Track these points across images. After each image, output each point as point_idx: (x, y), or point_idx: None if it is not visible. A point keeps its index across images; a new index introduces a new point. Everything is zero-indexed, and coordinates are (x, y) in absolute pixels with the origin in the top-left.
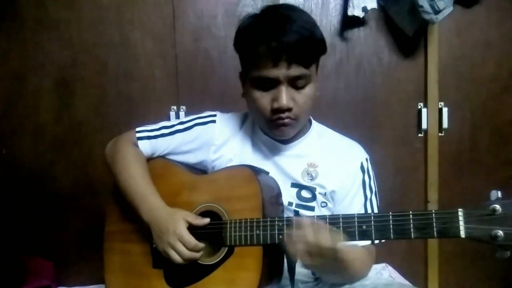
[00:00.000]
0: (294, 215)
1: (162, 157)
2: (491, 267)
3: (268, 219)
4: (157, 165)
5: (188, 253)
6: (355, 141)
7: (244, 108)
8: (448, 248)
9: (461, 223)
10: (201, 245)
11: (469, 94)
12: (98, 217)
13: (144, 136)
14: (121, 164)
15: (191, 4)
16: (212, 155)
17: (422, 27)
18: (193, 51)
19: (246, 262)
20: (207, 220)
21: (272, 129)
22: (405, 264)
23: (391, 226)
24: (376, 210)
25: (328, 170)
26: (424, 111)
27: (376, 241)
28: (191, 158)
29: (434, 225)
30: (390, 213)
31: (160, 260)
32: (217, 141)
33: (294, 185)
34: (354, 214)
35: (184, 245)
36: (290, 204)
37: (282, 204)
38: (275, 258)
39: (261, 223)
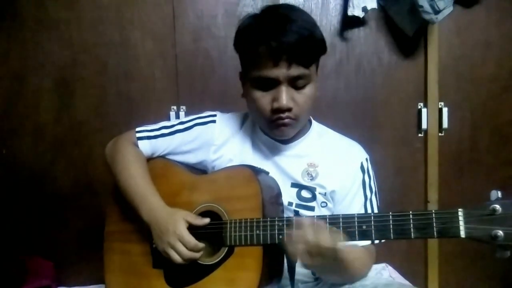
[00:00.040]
0: (294, 215)
1: (162, 157)
2: (491, 267)
3: (268, 219)
4: (157, 165)
5: (188, 253)
6: (355, 141)
7: (244, 108)
8: (448, 248)
9: (461, 223)
10: (201, 245)
11: (469, 94)
12: (98, 217)
13: (144, 136)
14: (121, 164)
15: (191, 4)
16: (212, 155)
17: (422, 27)
18: (193, 51)
19: (246, 262)
20: (207, 220)
21: (272, 129)
22: (405, 264)
23: (391, 226)
24: (376, 210)
25: (328, 170)
26: (424, 111)
27: (376, 241)
28: (191, 158)
29: (434, 225)
30: (390, 213)
31: (160, 260)
32: (217, 141)
33: (294, 185)
34: (354, 214)
35: (184, 245)
36: (290, 204)
37: (282, 204)
38: (275, 258)
39: (261, 223)
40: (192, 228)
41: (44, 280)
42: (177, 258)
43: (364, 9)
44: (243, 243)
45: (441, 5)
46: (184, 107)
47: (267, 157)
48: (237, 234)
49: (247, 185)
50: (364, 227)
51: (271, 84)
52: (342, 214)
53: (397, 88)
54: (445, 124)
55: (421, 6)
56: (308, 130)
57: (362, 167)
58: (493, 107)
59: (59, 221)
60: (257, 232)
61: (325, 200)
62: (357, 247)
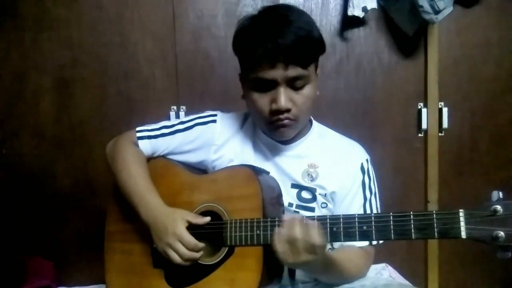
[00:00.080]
0: None
1: (163, 157)
2: (491, 267)
3: (269, 219)
4: (158, 165)
5: (188, 253)
6: (356, 142)
7: (244, 108)
8: (448, 248)
9: (462, 224)
10: (201, 245)
11: (469, 94)
12: (98, 217)
13: (145, 136)
14: (121, 164)
15: (191, 4)
16: (213, 155)
17: (422, 27)
18: (193, 51)
19: (246, 262)
20: (207, 219)
21: (272, 131)
22: (405, 264)
23: (391, 227)
24: (375, 211)
25: (329, 170)
26: (424, 111)
27: (374, 242)
28: (191, 158)
29: (435, 225)
30: (391, 213)
31: (160, 260)
32: (218, 141)
33: (294, 185)
34: (355, 215)
35: (184, 245)
36: (290, 205)
37: (282, 204)
38: (275, 258)
39: (261, 223)
40: (192, 228)
41: (44, 280)
42: (177, 258)
43: (364, 9)
44: (243, 243)
45: (441, 5)
46: (184, 107)
47: (268, 157)
48: (238, 234)
49: (247, 185)
50: (364, 227)
51: (269, 86)
52: (343, 215)
53: (397, 88)
54: (445, 124)
55: (421, 6)
56: (309, 130)
57: (362, 168)
58: (493, 107)
59: (59, 221)
60: (258, 232)
61: (325, 201)
62: (353, 248)
